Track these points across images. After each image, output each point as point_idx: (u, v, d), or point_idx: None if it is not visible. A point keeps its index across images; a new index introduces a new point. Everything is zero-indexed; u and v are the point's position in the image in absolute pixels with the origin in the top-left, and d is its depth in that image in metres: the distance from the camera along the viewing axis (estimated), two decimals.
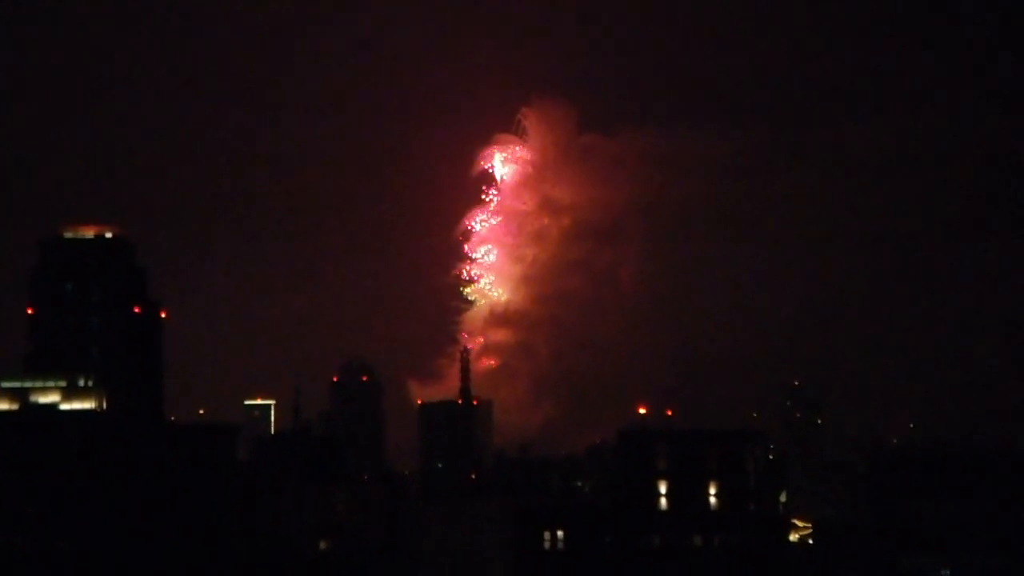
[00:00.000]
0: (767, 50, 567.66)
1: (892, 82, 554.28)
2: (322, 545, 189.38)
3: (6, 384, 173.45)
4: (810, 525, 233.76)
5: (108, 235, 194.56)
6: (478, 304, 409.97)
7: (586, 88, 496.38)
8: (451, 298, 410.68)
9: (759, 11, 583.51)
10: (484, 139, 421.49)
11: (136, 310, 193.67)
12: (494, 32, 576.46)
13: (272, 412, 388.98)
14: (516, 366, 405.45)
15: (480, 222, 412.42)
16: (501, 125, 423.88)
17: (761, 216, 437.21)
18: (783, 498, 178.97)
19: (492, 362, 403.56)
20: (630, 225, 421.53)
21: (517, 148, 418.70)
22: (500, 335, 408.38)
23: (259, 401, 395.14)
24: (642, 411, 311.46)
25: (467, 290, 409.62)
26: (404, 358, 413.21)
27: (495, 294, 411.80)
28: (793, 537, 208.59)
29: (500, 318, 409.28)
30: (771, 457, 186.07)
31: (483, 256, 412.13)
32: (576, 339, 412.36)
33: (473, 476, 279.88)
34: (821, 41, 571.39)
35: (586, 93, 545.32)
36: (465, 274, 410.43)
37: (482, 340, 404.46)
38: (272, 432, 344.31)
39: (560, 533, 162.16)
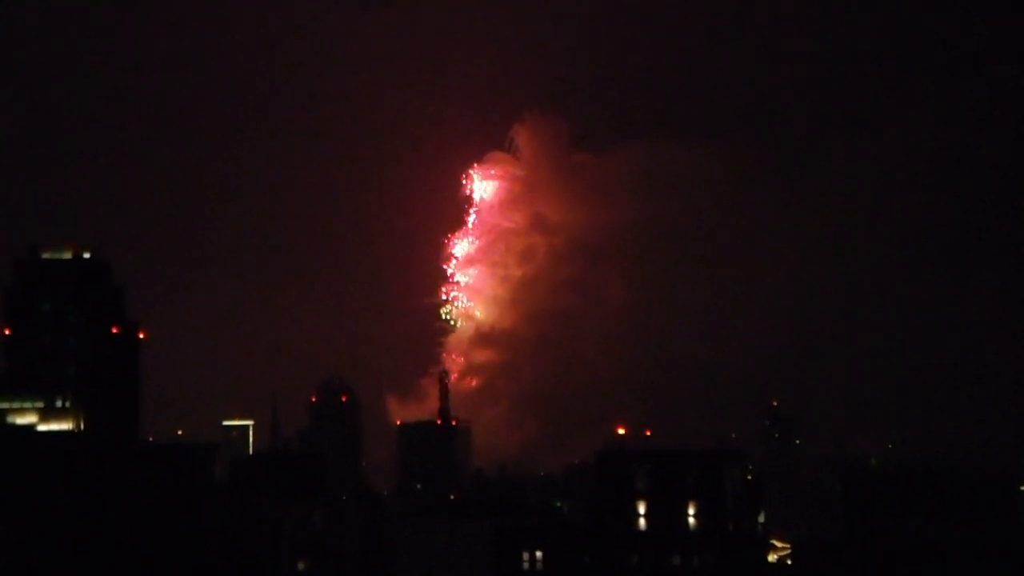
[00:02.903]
0: (758, 69, 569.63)
1: (877, 101, 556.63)
2: (300, 565, 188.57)
3: None
4: (788, 545, 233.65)
5: (86, 255, 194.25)
6: (459, 326, 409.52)
7: (578, 105, 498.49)
8: (434, 319, 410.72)
9: (749, 29, 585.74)
10: (476, 157, 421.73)
11: (114, 330, 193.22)
12: (485, 49, 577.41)
13: (251, 432, 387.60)
14: (498, 386, 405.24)
15: (464, 243, 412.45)
16: (494, 143, 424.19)
17: (745, 235, 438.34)
18: (762, 518, 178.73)
19: (474, 382, 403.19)
20: (617, 244, 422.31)
21: (507, 167, 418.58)
22: (484, 355, 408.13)
23: (237, 422, 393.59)
24: (621, 431, 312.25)
25: (447, 311, 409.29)
26: (385, 379, 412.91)
27: (477, 314, 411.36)
28: (772, 557, 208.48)
29: (485, 338, 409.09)
30: (750, 477, 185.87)
31: (468, 278, 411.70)
32: (559, 359, 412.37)
33: (452, 496, 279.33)
34: (810, 60, 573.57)
35: (577, 110, 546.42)
36: (447, 296, 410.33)
37: (462, 360, 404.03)
38: (250, 452, 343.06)
39: (539, 553, 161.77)
